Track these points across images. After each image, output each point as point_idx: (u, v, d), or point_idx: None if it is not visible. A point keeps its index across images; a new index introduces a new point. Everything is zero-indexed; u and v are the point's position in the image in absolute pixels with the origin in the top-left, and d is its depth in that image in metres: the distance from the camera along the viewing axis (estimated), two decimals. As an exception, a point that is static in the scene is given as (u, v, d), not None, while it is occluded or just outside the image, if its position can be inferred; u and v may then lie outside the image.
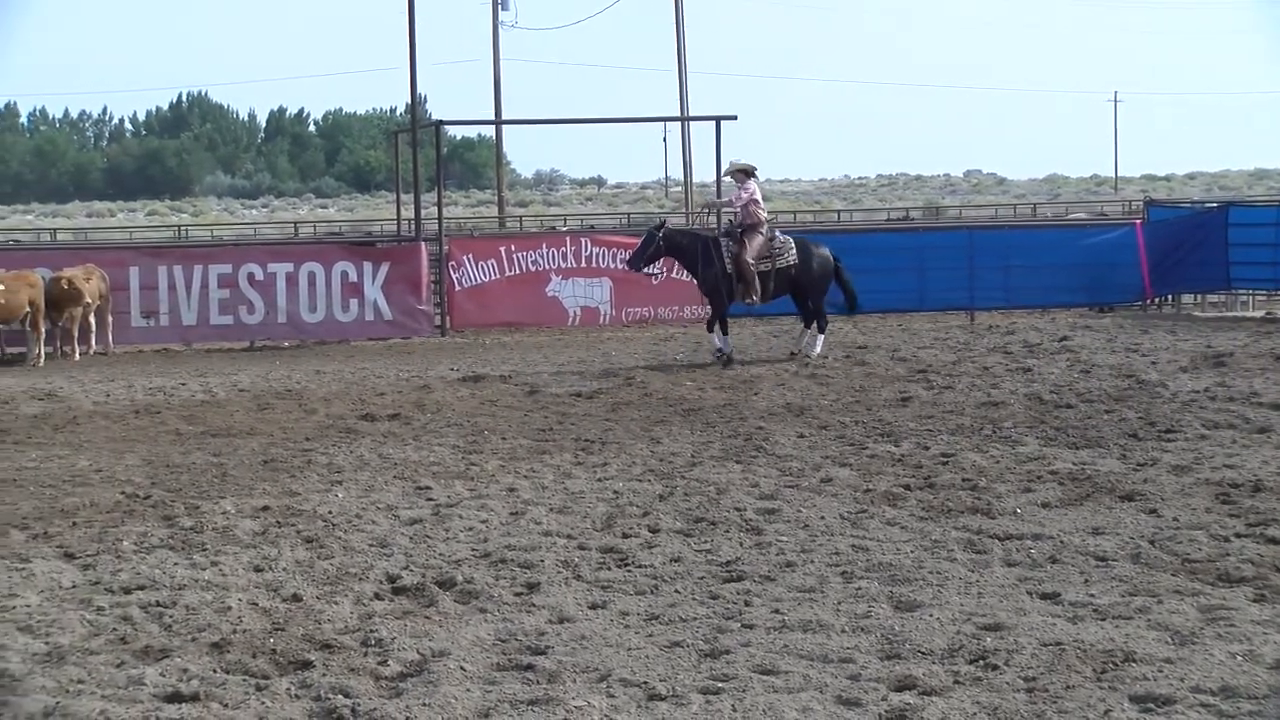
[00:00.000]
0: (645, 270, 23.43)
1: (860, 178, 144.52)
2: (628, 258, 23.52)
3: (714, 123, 28.70)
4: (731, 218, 22.70)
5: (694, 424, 16.03)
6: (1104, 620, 8.46)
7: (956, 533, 10.73)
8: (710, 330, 22.37)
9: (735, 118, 28.83)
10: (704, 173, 57.29)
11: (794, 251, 22.23)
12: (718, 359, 21.61)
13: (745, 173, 22.52)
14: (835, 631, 8.41)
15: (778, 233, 22.90)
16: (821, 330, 22.40)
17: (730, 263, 21.83)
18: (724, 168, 24.15)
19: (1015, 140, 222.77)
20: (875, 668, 7.76)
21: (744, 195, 22.18)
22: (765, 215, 22.61)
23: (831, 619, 8.64)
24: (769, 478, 12.94)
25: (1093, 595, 9.00)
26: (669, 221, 24.26)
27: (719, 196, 28.58)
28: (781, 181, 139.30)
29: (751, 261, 21.82)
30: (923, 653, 7.97)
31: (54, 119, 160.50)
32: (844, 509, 11.62)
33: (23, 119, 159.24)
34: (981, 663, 7.74)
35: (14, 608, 9.22)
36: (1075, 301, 29.37)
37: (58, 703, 7.39)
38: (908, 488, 12.36)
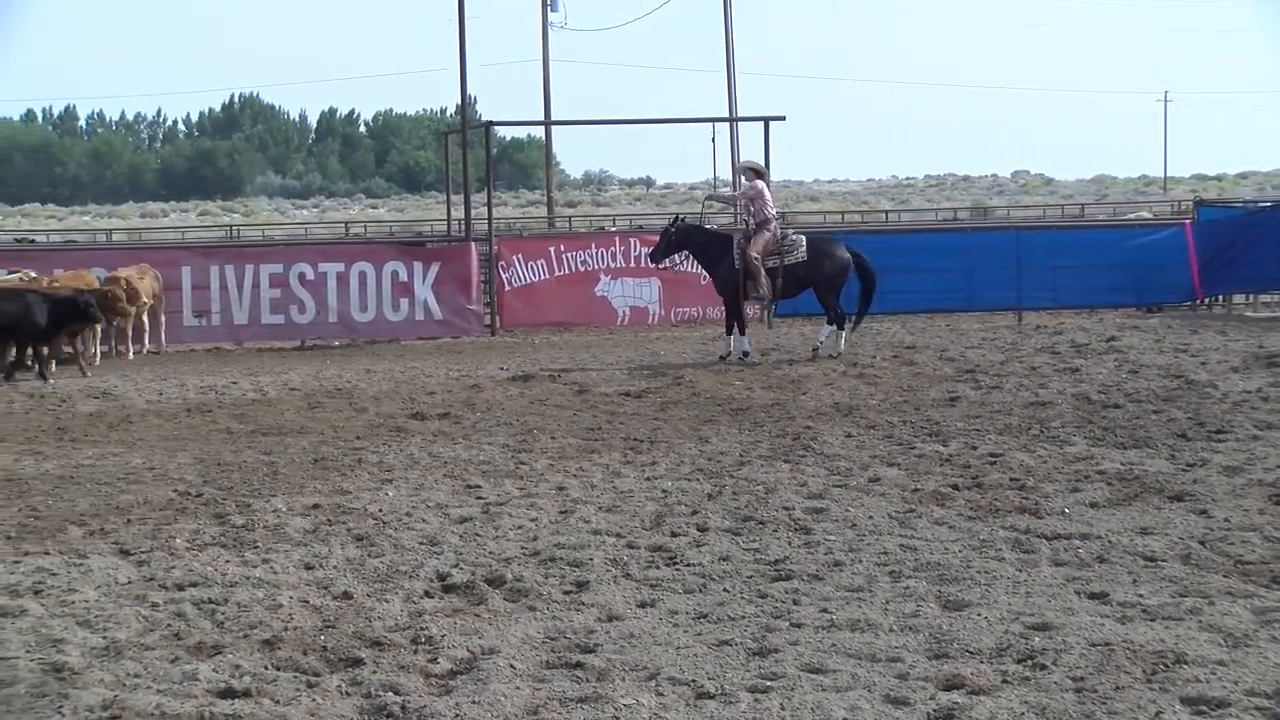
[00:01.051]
0: (663, 265, 23.67)
1: (908, 178, 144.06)
2: (650, 253, 23.86)
3: (763, 123, 28.61)
4: (733, 210, 22.77)
5: (742, 423, 16.02)
6: (1154, 621, 8.38)
7: (1004, 532, 10.67)
8: (729, 333, 22.53)
9: (784, 118, 28.77)
10: (752, 173, 57.25)
11: (803, 250, 22.33)
12: (742, 360, 21.83)
13: (755, 171, 22.92)
14: (883, 630, 8.37)
15: (789, 231, 23.04)
16: (840, 327, 22.44)
17: (739, 259, 22.06)
18: (738, 166, 24.23)
19: (1063, 141, 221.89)
20: (923, 667, 7.72)
21: (749, 191, 22.45)
22: (773, 213, 22.66)
23: (879, 618, 8.60)
24: (817, 477, 12.91)
25: (1142, 595, 8.92)
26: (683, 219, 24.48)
27: (768, 200, 28.86)
28: (830, 182, 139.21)
29: (756, 256, 22.01)
30: (971, 652, 7.93)
31: (110, 121, 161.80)
32: (892, 508, 11.58)
33: (81, 122, 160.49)
34: (1030, 662, 7.68)
35: (73, 602, 9.28)
36: (1123, 302, 29.24)
37: (116, 696, 7.43)
38: (955, 487, 12.31)
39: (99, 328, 22.72)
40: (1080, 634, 8.11)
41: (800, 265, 22.32)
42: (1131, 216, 49.01)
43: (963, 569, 9.67)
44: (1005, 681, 7.43)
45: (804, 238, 22.87)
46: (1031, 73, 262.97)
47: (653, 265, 24.23)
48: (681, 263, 24.39)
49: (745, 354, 22.04)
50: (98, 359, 23.42)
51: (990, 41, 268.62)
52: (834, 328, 22.45)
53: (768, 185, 22.94)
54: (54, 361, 21.72)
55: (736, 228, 23.27)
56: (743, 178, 23.19)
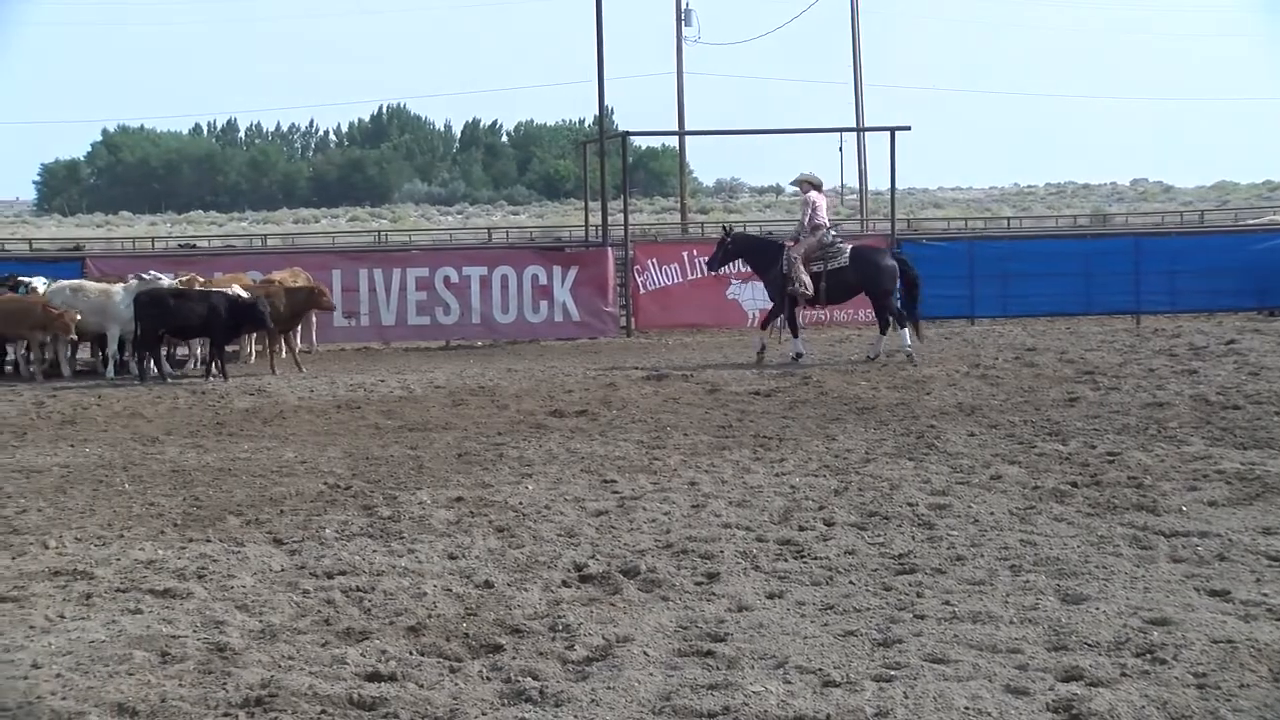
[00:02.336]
0: (719, 272, 24.49)
1: (1029, 186, 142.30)
2: (707, 260, 24.33)
3: (889, 133, 28.46)
4: (801, 229, 22.85)
5: (868, 422, 15.92)
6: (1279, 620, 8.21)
7: (1122, 529, 10.52)
8: (790, 332, 22.71)
9: (909, 128, 28.61)
10: (878, 181, 56.97)
11: (846, 256, 22.32)
12: (795, 359, 21.97)
13: (810, 183, 22.97)
14: (1003, 623, 8.29)
15: (837, 239, 22.92)
16: (902, 325, 22.27)
17: (785, 263, 22.18)
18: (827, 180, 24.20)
19: (1183, 148, 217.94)
20: (1042, 658, 7.63)
21: (809, 211, 22.62)
22: (824, 221, 22.62)
23: (1000, 611, 8.52)
24: (940, 474, 12.81)
25: (1265, 595, 8.73)
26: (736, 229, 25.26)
27: (892, 206, 29.17)
28: (953, 189, 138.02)
29: (798, 257, 22.08)
30: (1089, 645, 7.83)
31: (267, 133, 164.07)
32: (1013, 505, 11.46)
33: (241, 134, 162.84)
34: (1149, 656, 7.57)
35: (232, 587, 9.42)
36: (1243, 305, 28.68)
37: (272, 676, 7.54)
38: (1074, 485, 12.15)
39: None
40: (1201, 630, 7.97)
41: (847, 271, 22.32)
42: (1263, 220, 47.86)
43: (1081, 564, 9.56)
44: (1124, 675, 7.32)
45: (849, 246, 22.89)
46: (1150, 81, 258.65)
47: (710, 272, 24.94)
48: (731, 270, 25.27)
49: (798, 355, 22.16)
50: (253, 358, 23.72)
51: (1109, 52, 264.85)
52: (908, 329, 22.25)
53: (823, 196, 23.13)
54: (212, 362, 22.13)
55: (789, 238, 23.24)
56: (798, 189, 23.44)
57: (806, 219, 22.58)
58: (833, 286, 22.38)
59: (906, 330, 22.20)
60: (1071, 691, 7.09)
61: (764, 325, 23.09)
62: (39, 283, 22.29)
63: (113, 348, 21.83)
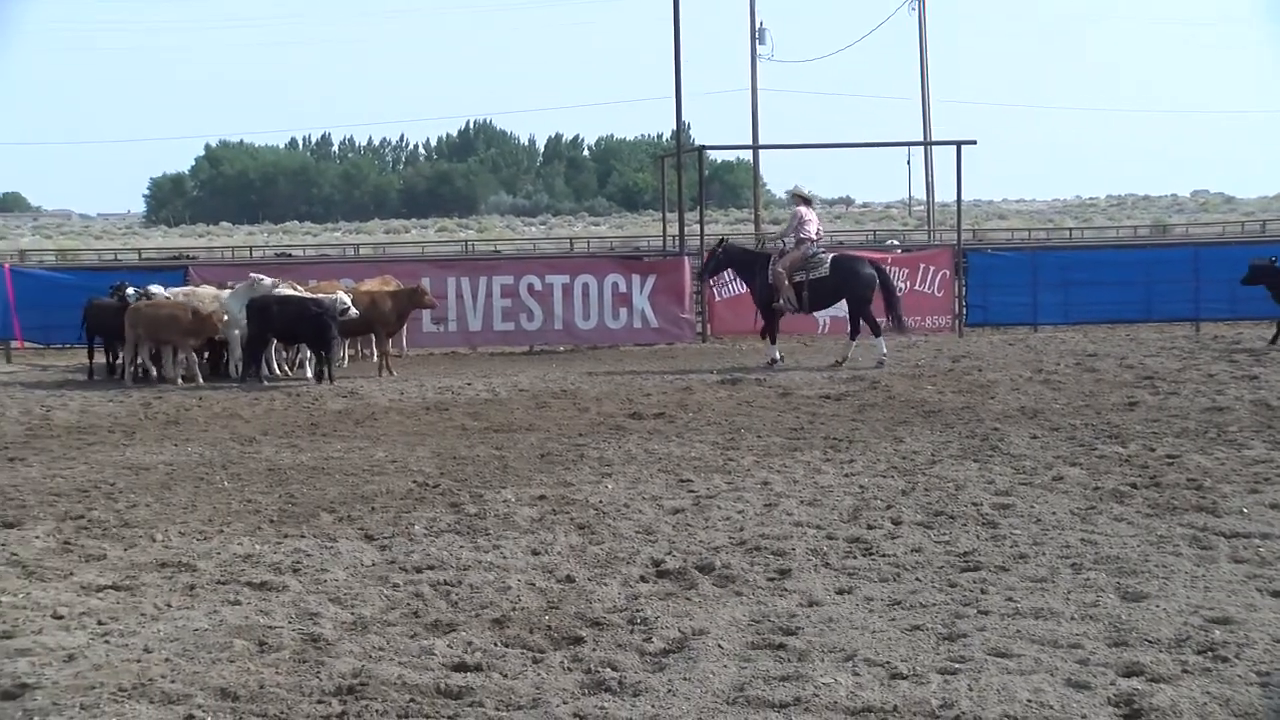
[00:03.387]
0: (711, 280, 25.14)
1: (1091, 198, 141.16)
2: (699, 270, 25.03)
3: (955, 147, 28.33)
4: (784, 241, 23.33)
5: (934, 425, 15.84)
6: (1344, 623, 8.08)
7: (1182, 529, 10.42)
8: (764, 338, 23.19)
9: (975, 142, 28.53)
10: (944, 193, 56.77)
11: (827, 266, 22.67)
12: (769, 365, 22.38)
13: (801, 198, 23.48)
14: (1065, 619, 8.24)
15: (819, 251, 23.11)
16: (876, 335, 22.62)
17: (770, 274, 22.61)
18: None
19: (1243, 160, 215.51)
20: (1103, 654, 7.57)
21: (792, 219, 23.15)
22: (811, 235, 22.88)
23: (1061, 607, 8.46)
24: (1004, 475, 12.74)
25: (1330, 597, 8.61)
26: (729, 239, 25.70)
27: (959, 217, 29.18)
28: (1017, 201, 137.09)
29: (783, 271, 22.47)
30: (1150, 641, 7.75)
31: (360, 147, 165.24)
32: (1074, 505, 11.38)
33: (334, 147, 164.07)
34: (1210, 654, 7.49)
35: (325, 581, 9.49)
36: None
37: (363, 666, 7.59)
38: (1134, 486, 12.04)
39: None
40: (1263, 630, 7.88)
41: (827, 280, 22.68)
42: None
43: (1141, 563, 9.48)
44: (1185, 671, 7.25)
45: (830, 256, 23.22)
46: (1212, 95, 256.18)
47: (703, 280, 25.45)
48: (731, 279, 25.50)
49: (774, 360, 22.57)
50: (345, 362, 23.87)
51: (1168, 65, 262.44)
52: (879, 339, 22.59)
53: (811, 210, 23.38)
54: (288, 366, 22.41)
55: (778, 249, 23.43)
56: (790, 201, 23.90)
57: (793, 232, 22.96)
58: (814, 295, 22.84)
59: (881, 340, 22.55)
60: (1133, 686, 7.03)
61: (763, 335, 23.38)
62: (156, 289, 22.40)
63: (238, 352, 21.93)
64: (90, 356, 22.81)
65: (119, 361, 22.56)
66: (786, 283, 22.50)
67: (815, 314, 26.27)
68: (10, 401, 19.62)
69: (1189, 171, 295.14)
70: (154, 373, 22.02)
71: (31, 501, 12.33)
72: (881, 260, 26.86)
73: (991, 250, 32.08)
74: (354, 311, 21.11)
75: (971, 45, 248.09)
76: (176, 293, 22.38)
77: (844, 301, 23.47)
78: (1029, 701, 6.89)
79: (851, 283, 22.74)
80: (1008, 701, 6.90)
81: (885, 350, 22.36)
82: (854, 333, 22.97)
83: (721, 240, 24.82)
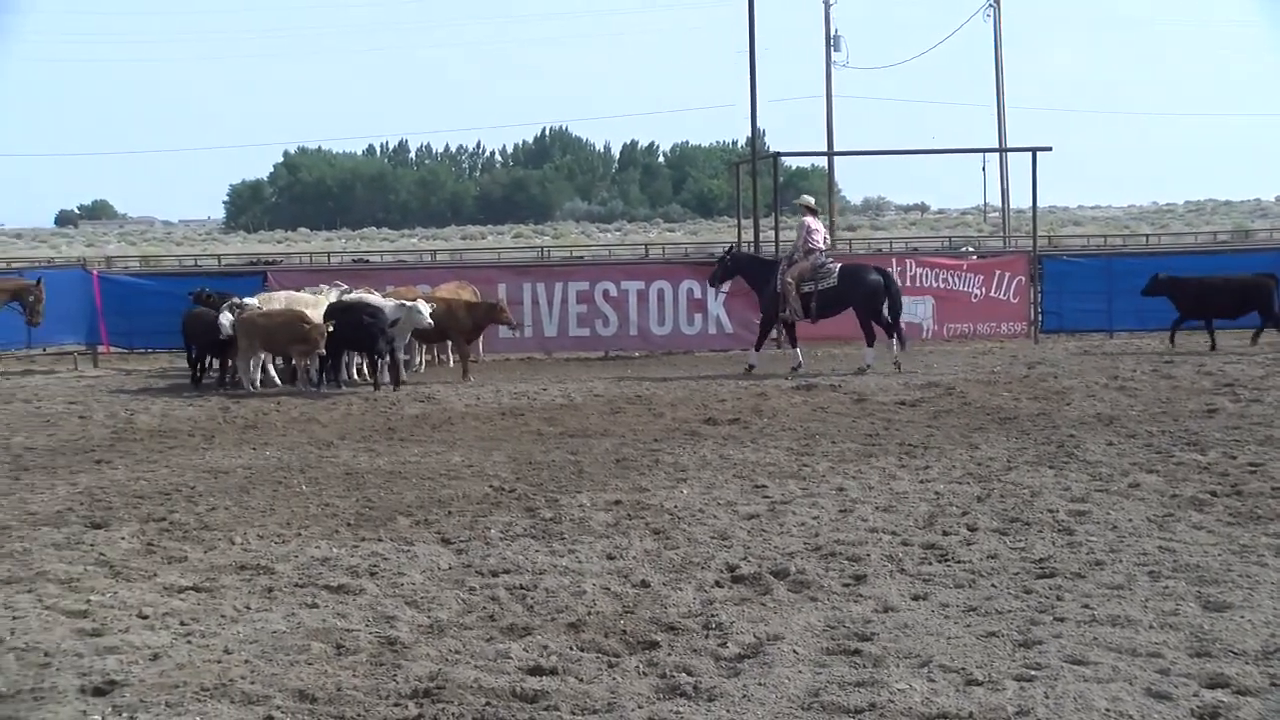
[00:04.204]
0: (718, 287, 25.01)
1: (1169, 204, 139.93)
2: (709, 277, 24.91)
3: (1030, 154, 28.11)
4: (795, 252, 23.50)
5: (1009, 431, 15.73)
6: None
7: (1266, 539, 10.25)
8: (793, 346, 23.48)
9: (1050, 149, 28.15)
10: (1020, 199, 56.36)
11: (835, 276, 22.93)
12: (748, 370, 22.79)
13: (808, 209, 23.86)
14: (1143, 627, 8.14)
15: (827, 260, 23.38)
16: (870, 344, 22.88)
17: (779, 283, 22.90)
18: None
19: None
20: (1185, 664, 7.47)
21: (804, 234, 23.24)
22: (819, 245, 23.22)
23: (1139, 615, 8.37)
24: (1079, 482, 12.62)
25: None
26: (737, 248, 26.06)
27: (1034, 224, 29.26)
28: (1093, 207, 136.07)
29: (791, 281, 22.80)
30: (1234, 653, 7.64)
31: (436, 154, 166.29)
32: (1151, 512, 11.25)
33: (411, 154, 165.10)
34: (1299, 668, 7.35)
35: (402, 584, 9.55)
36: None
37: (439, 669, 7.63)
38: (1214, 494, 11.88)
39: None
40: (1356, 644, 7.72)
41: (833, 289, 22.93)
42: None
43: (1223, 572, 9.35)
44: (1275, 684, 7.14)
45: (838, 265, 23.40)
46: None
47: (710, 288, 25.30)
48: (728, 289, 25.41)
49: (751, 367, 22.99)
50: (423, 367, 23.98)
51: (1247, 69, 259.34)
52: (871, 349, 22.93)
53: (818, 220, 23.89)
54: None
55: (784, 259, 23.72)
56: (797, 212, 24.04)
57: (802, 242, 23.19)
58: (822, 304, 23.05)
59: (872, 350, 22.88)
60: (1217, 699, 6.94)
61: (758, 346, 23.67)
62: (251, 301, 22.31)
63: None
64: (191, 365, 22.87)
65: (212, 369, 22.55)
66: (794, 293, 22.82)
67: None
68: (97, 405, 19.86)
69: (1273, 176, 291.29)
70: (259, 379, 22.00)
71: (117, 503, 12.51)
72: (955, 267, 26.87)
73: (1066, 257, 31.81)
74: (428, 321, 21.16)
75: (1047, 51, 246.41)
76: (268, 299, 22.44)
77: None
78: (1107, 710, 6.83)
79: (858, 291, 22.95)
80: (1085, 710, 6.84)
81: (872, 362, 22.67)
82: (869, 339, 23.13)
83: (730, 248, 25.15)
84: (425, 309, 21.32)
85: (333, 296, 22.42)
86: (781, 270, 23.08)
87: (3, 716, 7.13)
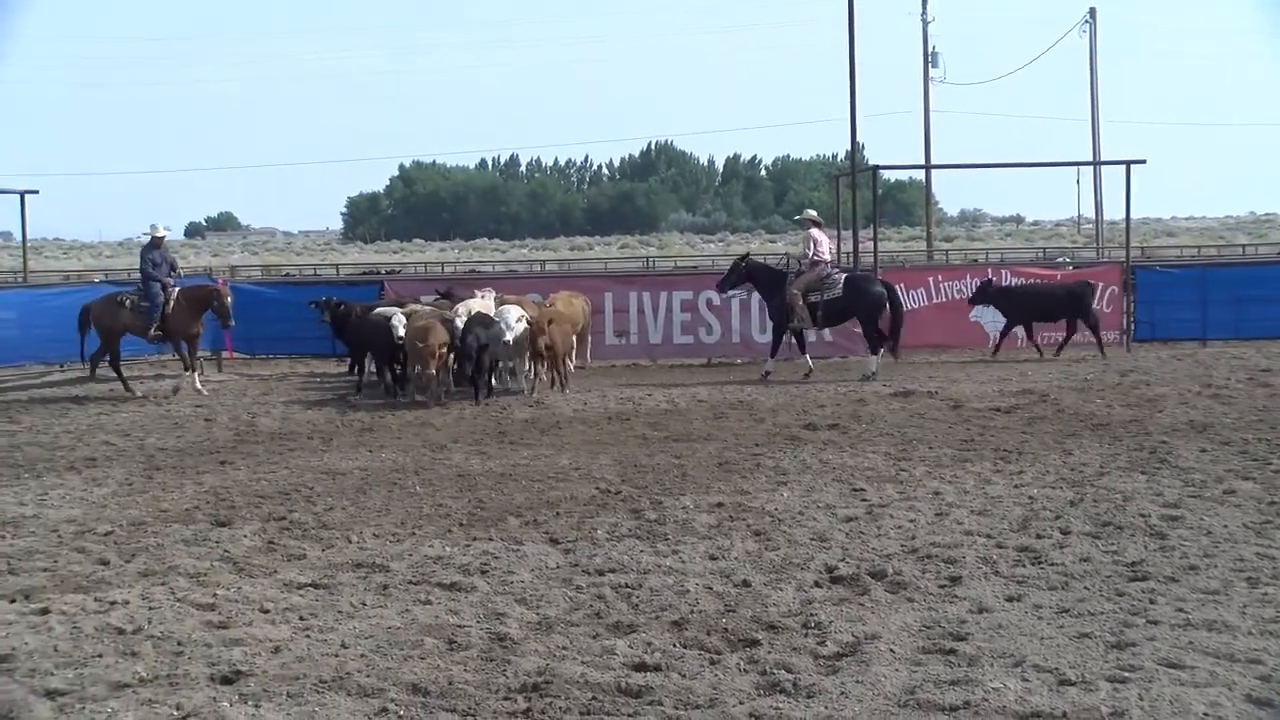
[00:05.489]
0: (728, 293, 24.83)
1: (1266, 214, 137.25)
2: (718, 283, 24.83)
3: (1124, 166, 27.79)
4: (803, 263, 23.71)
5: (1102, 438, 15.56)
6: None
7: (1367, 547, 10.09)
8: (774, 355, 23.55)
9: (1144, 161, 27.78)
10: (1114, 211, 55.65)
11: (840, 286, 23.23)
12: (765, 378, 22.85)
13: (812, 222, 24.02)
14: (1241, 633, 8.02)
15: (833, 271, 23.73)
16: (874, 351, 23.18)
17: (786, 294, 23.13)
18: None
19: None
20: (1287, 671, 7.33)
21: (810, 247, 23.55)
22: (825, 256, 23.61)
23: (1237, 621, 8.25)
24: (1172, 488, 12.47)
25: None
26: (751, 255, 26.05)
27: (1127, 235, 29.75)
28: (1187, 218, 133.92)
29: (798, 292, 23.13)
30: (1338, 661, 7.47)
31: (546, 167, 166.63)
32: (1247, 519, 11.09)
33: (522, 168, 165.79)
34: None
35: (512, 582, 9.62)
36: None
37: (547, 665, 7.69)
38: (1315, 503, 11.68)
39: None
40: None
41: (839, 299, 23.25)
42: None
43: (1327, 580, 9.18)
44: (1378, 694, 6.99)
45: (843, 276, 23.72)
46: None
47: (719, 293, 25.14)
48: (742, 293, 25.28)
49: (768, 373, 23.10)
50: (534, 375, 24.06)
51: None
52: (876, 357, 23.12)
53: (823, 233, 24.13)
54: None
55: (794, 270, 24.00)
56: (800, 226, 24.21)
57: (811, 253, 23.42)
58: (829, 313, 23.39)
59: (875, 358, 23.06)
60: (1321, 707, 6.81)
61: (773, 353, 23.69)
62: (398, 320, 21.85)
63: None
64: (353, 371, 23.13)
65: (370, 376, 22.59)
66: (801, 303, 23.10)
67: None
68: (220, 409, 20.14)
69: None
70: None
71: (240, 503, 12.70)
72: (1049, 278, 26.65)
73: (1160, 267, 31.39)
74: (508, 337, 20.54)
75: (1142, 64, 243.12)
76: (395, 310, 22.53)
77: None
78: (1205, 715, 6.75)
79: (861, 301, 23.24)
80: (1182, 714, 6.76)
81: (875, 370, 22.76)
82: (873, 347, 23.31)
83: (744, 256, 25.30)
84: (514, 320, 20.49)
85: (490, 301, 22.29)
86: (789, 282, 23.34)
87: (143, 700, 7.29)
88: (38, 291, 27.15)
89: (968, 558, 9.99)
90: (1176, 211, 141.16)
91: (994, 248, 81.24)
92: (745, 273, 24.14)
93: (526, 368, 21.73)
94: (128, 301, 22.50)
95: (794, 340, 23.74)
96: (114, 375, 22.69)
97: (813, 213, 24.41)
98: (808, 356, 23.54)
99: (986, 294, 25.52)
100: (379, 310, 21.72)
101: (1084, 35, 59.65)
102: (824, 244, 23.75)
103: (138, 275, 23.65)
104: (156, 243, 22.49)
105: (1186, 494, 12.17)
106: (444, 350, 20.48)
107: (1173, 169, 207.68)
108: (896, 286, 24.14)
